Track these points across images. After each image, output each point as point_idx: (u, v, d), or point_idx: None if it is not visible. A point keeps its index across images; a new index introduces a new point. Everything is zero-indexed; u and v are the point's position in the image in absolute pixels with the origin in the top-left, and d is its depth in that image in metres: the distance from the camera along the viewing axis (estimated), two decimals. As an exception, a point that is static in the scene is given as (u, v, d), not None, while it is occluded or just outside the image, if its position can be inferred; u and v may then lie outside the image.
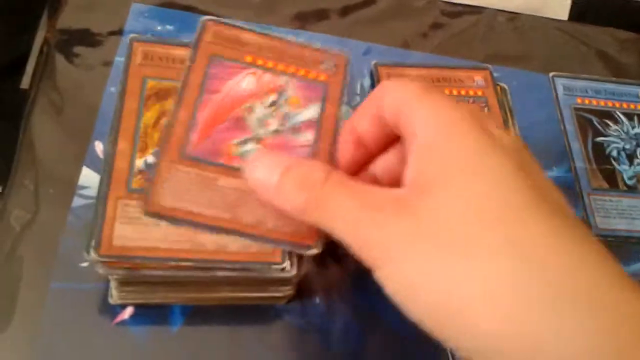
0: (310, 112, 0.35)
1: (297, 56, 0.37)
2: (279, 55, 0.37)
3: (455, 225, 0.23)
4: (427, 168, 0.25)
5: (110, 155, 0.34)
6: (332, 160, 0.33)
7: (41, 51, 0.44)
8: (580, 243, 0.23)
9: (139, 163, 0.34)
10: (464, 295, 0.22)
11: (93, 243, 0.31)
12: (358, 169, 0.32)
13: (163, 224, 0.31)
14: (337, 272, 0.40)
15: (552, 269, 0.22)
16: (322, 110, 0.35)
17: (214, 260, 0.32)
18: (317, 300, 0.39)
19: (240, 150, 0.33)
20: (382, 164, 0.32)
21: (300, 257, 0.34)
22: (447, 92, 0.47)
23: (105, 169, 0.33)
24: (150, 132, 0.35)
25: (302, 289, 0.38)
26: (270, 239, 0.31)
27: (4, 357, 0.34)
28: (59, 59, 0.44)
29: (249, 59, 0.36)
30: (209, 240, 0.32)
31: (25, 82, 0.42)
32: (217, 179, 0.32)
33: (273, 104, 0.35)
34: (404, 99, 0.28)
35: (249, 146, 0.33)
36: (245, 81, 0.35)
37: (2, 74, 0.43)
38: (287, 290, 0.36)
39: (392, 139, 0.31)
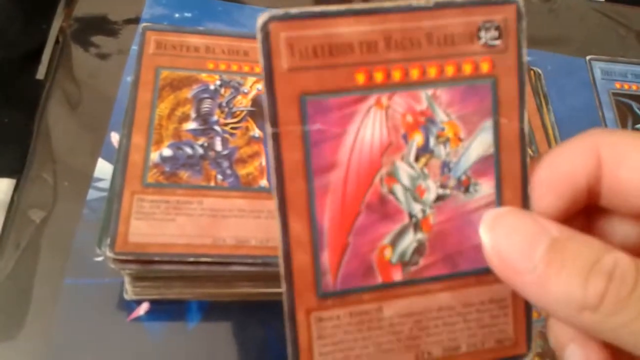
0: (480, 142, 0.21)
1: (428, 39, 0.20)
2: (407, 48, 0.20)
3: None
4: None
5: (125, 148, 0.32)
6: None
7: (57, 41, 0.43)
8: None
9: (154, 156, 0.32)
10: None
11: (108, 240, 0.30)
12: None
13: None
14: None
15: None
16: (496, 130, 0.21)
17: (234, 256, 0.31)
18: (340, 296, 0.37)
19: (399, 252, 0.21)
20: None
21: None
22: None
23: (120, 163, 0.32)
24: (165, 123, 0.33)
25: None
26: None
27: (19, 354, 0.33)
28: (75, 49, 0.43)
29: (360, 78, 0.20)
30: (229, 235, 0.31)
31: (40, 73, 0.41)
32: (381, 309, 0.21)
33: (422, 152, 0.21)
34: None
35: (408, 239, 0.21)
36: (369, 126, 0.20)
37: (17, 65, 0.42)
38: (308, 286, 0.35)
39: (579, 208, 0.21)
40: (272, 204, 0.31)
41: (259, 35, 0.18)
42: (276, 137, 0.20)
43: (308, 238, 0.21)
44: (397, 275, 0.21)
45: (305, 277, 0.21)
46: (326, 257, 0.21)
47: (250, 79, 0.36)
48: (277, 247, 0.30)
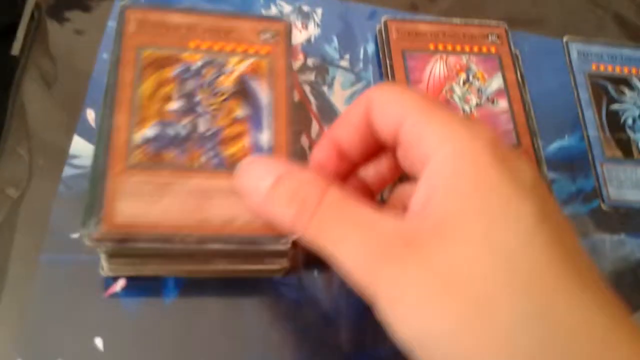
0: (497, 81, 0.43)
1: (463, 35, 0.45)
2: (452, 37, 0.45)
3: (477, 281, 0.21)
4: (441, 201, 0.23)
5: (107, 129, 0.32)
6: (526, 124, 0.42)
7: (32, 16, 0.42)
8: (611, 319, 0.21)
9: (138, 137, 0.32)
10: None
11: (94, 220, 0.30)
12: (342, 178, 0.31)
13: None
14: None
15: (583, 344, 0.20)
16: (504, 78, 0.44)
17: (219, 236, 0.31)
18: (316, 273, 0.37)
19: None
20: (373, 171, 0.31)
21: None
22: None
23: (102, 143, 0.32)
24: (147, 103, 0.33)
25: (300, 262, 0.37)
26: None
27: (-6, 329, 0.33)
28: (51, 24, 0.42)
29: (431, 46, 0.44)
30: (214, 214, 0.31)
31: (15, 49, 0.41)
32: None
33: (466, 82, 0.43)
34: (407, 111, 0.25)
35: None
36: (437, 67, 0.43)
37: (-9, 40, 0.42)
38: (284, 263, 0.35)
39: (377, 149, 0.29)
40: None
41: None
42: (392, 68, 0.43)
43: None
44: None
45: None
46: None
47: (234, 59, 0.35)
48: (262, 227, 0.31)
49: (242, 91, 0.35)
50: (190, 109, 0.34)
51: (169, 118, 0.33)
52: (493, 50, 0.45)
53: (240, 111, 0.34)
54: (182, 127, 0.33)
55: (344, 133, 0.29)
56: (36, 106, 0.39)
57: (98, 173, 0.31)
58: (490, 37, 0.46)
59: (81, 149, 0.38)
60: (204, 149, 0.33)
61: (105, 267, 0.34)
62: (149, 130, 0.32)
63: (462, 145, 0.23)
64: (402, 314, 0.22)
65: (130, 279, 0.35)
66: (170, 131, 0.33)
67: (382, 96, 0.27)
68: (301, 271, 0.37)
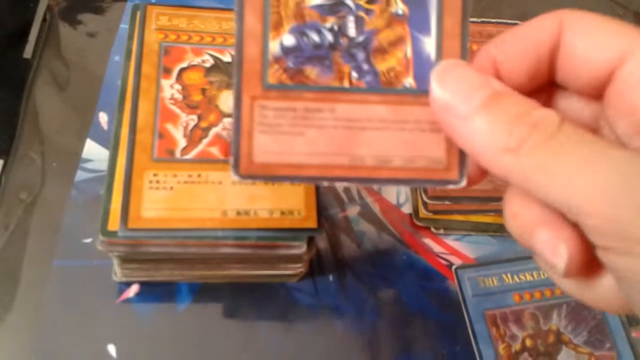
0: None
1: (480, 34, 0.37)
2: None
3: None
4: None
5: (238, 37, 0.24)
6: None
7: (44, 19, 0.42)
8: None
9: (274, 47, 0.24)
10: None
11: (231, 161, 0.23)
12: None
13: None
14: (351, 250, 0.38)
15: None
16: None
17: (375, 179, 0.25)
18: (331, 278, 0.37)
19: None
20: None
21: (312, 238, 0.32)
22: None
23: (236, 57, 0.24)
24: None
25: (315, 267, 0.37)
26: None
27: (7, 335, 0.33)
28: (63, 27, 0.42)
29: None
30: (368, 153, 0.24)
31: (28, 51, 0.40)
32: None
33: None
34: (635, 45, 0.21)
35: None
36: None
37: (4, 44, 0.41)
38: (298, 268, 0.35)
39: (535, 87, 0.23)
40: (420, 112, 0.25)
41: None
42: None
43: None
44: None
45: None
46: None
47: None
48: (424, 169, 0.25)
49: None
50: (335, 3, 0.25)
51: (310, 18, 0.25)
52: None
53: (400, 4, 0.25)
54: (326, 30, 0.25)
55: (509, 56, 0.23)
56: (49, 109, 0.39)
57: (235, 99, 0.24)
58: None
59: (94, 153, 0.37)
60: (354, 62, 0.25)
61: (118, 273, 0.33)
62: (286, 37, 0.24)
63: None
64: None
65: (143, 285, 0.35)
66: (313, 37, 0.25)
67: (588, 20, 0.22)
68: (316, 276, 0.37)
